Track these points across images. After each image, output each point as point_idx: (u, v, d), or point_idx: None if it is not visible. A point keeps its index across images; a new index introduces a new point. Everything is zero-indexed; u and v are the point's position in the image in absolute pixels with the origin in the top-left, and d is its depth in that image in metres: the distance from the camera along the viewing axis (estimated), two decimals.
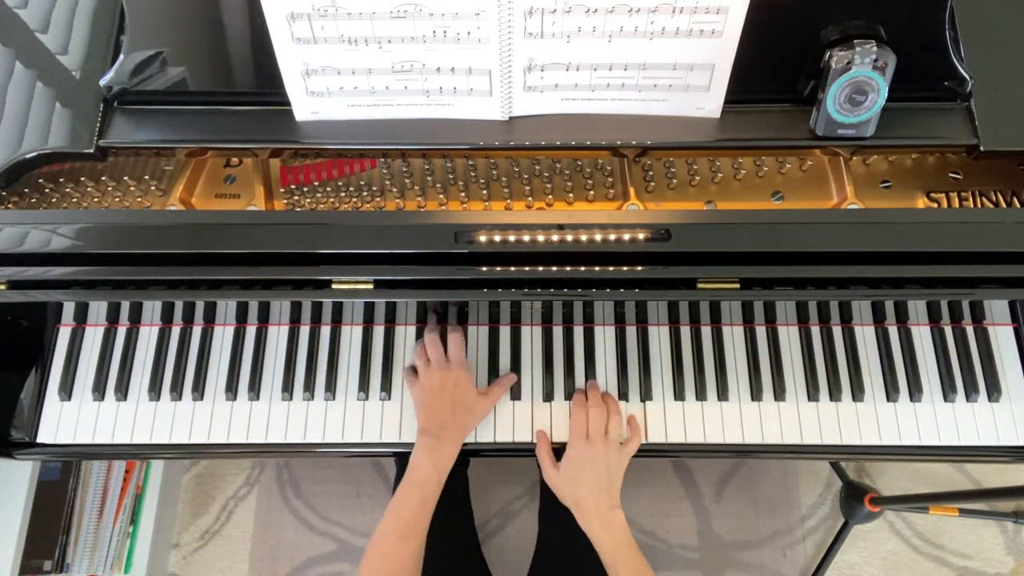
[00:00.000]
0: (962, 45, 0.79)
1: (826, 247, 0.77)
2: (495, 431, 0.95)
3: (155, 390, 0.97)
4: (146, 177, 0.89)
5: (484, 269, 0.79)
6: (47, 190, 0.86)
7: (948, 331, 0.97)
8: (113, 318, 1.00)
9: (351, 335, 0.99)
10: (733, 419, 0.95)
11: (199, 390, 0.97)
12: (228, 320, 1.00)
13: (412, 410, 0.95)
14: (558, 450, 0.93)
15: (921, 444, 0.93)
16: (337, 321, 1.00)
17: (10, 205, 0.85)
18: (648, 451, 0.94)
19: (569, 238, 0.77)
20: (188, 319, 1.00)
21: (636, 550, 0.84)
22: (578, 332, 0.99)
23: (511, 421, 0.95)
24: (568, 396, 0.96)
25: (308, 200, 0.89)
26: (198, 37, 0.81)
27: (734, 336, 0.98)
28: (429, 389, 0.91)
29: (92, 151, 0.80)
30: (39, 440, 0.96)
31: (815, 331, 0.98)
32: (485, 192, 0.89)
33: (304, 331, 0.99)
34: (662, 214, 0.83)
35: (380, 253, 0.78)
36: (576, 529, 0.87)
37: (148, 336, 0.99)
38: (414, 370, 0.95)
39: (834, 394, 0.95)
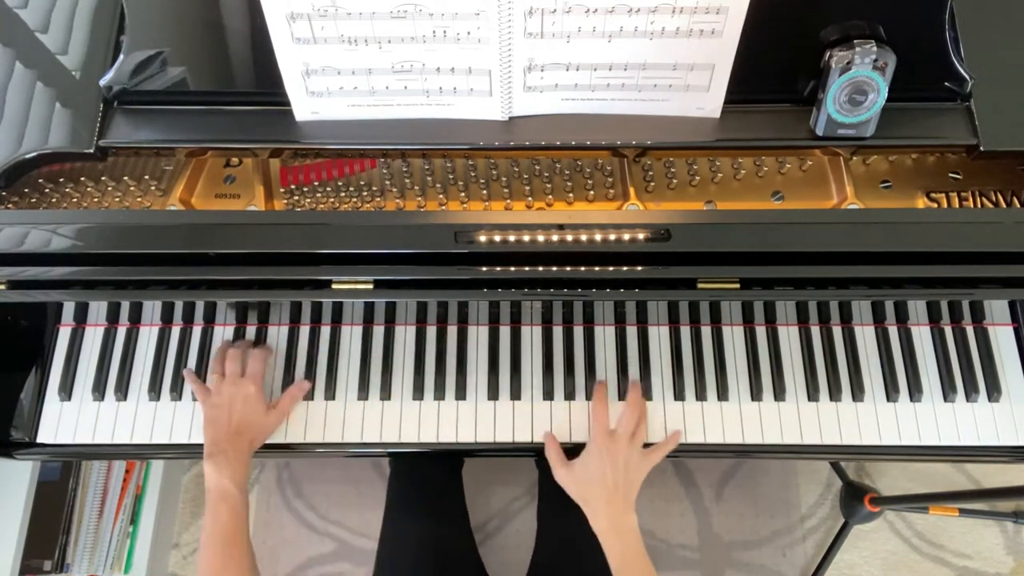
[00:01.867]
0: (962, 45, 0.79)
1: (826, 247, 0.77)
2: (495, 431, 0.95)
3: (155, 390, 0.97)
4: (146, 177, 0.89)
5: (484, 269, 0.79)
6: (47, 190, 0.86)
7: (948, 331, 0.97)
8: (113, 318, 1.00)
9: (351, 335, 0.99)
10: (733, 419, 0.94)
11: None
12: (228, 320, 1.00)
13: (412, 411, 0.95)
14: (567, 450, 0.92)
15: (921, 444, 0.93)
16: (337, 321, 1.00)
17: (10, 205, 0.85)
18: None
19: (569, 238, 0.77)
20: (188, 319, 1.00)
21: (647, 559, 0.81)
22: (578, 332, 0.99)
23: (511, 421, 0.95)
24: (568, 396, 0.96)
25: (308, 200, 0.89)
26: (198, 37, 0.81)
27: (734, 336, 0.98)
28: (216, 404, 0.89)
29: (92, 151, 0.80)
30: (39, 440, 0.96)
31: (815, 331, 0.98)
32: (485, 192, 0.89)
33: (304, 331, 0.99)
34: (662, 214, 0.83)
35: (380, 253, 0.78)
36: (575, 529, 0.86)
37: (148, 336, 0.99)
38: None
39: (834, 394, 0.95)
